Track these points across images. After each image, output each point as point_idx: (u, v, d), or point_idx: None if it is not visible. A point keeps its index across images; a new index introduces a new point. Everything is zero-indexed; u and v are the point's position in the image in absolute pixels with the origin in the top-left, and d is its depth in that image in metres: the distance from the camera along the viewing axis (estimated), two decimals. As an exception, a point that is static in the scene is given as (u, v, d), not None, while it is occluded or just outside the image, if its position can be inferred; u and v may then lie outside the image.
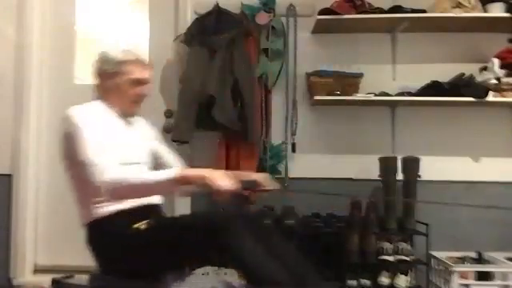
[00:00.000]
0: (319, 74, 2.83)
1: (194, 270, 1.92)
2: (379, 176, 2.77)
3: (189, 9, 3.01)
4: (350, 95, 2.77)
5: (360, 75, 2.83)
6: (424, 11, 2.74)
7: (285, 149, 2.94)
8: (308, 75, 2.90)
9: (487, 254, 2.73)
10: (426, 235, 2.63)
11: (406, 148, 2.86)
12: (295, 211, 2.74)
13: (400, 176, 2.75)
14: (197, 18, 2.91)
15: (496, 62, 2.72)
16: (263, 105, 2.88)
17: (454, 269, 2.50)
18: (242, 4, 2.93)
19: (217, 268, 2.31)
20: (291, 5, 2.95)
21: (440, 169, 2.86)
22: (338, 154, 2.95)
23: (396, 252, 2.67)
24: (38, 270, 3.06)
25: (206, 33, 2.83)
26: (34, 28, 3.07)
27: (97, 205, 1.76)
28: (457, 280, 2.49)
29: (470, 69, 2.80)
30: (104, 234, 1.76)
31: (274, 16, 2.90)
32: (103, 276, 1.78)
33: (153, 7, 3.14)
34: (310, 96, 2.91)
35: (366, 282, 2.63)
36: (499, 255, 2.68)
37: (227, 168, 2.82)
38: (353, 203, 2.70)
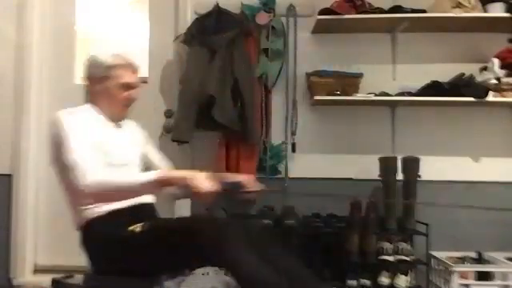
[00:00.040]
0: (319, 74, 2.83)
1: (194, 269, 1.92)
2: (379, 176, 2.77)
3: (189, 9, 3.01)
4: (350, 95, 2.77)
5: (360, 75, 2.83)
6: (424, 11, 2.74)
7: (285, 149, 2.94)
8: (308, 75, 2.90)
9: (487, 254, 2.73)
10: (426, 235, 2.63)
11: (406, 148, 2.86)
12: (295, 211, 2.73)
13: (400, 176, 2.75)
14: (197, 18, 2.91)
15: (496, 62, 2.72)
16: (263, 105, 2.88)
17: (454, 269, 2.50)
18: (242, 4, 2.93)
19: (217, 268, 2.31)
20: (291, 5, 2.95)
21: (440, 169, 2.86)
22: (338, 153, 2.96)
23: (396, 252, 2.67)
24: (37, 270, 3.06)
25: (206, 33, 2.83)
26: (34, 28, 3.07)
27: (88, 207, 1.77)
28: (457, 280, 2.49)
29: (469, 69, 2.79)
30: (97, 236, 1.77)
31: (274, 16, 2.90)
32: (97, 276, 1.78)
33: (153, 7, 3.14)
34: (310, 96, 2.91)
35: (366, 282, 2.63)
36: (499, 255, 2.68)
37: (227, 168, 2.83)
38: (353, 203, 2.70)
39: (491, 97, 2.68)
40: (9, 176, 3.03)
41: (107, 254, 1.74)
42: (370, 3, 2.79)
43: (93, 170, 1.69)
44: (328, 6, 2.74)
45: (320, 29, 2.90)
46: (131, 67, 1.92)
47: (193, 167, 2.95)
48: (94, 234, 1.78)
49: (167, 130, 3.00)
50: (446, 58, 2.92)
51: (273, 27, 2.89)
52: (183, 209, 2.88)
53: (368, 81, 2.85)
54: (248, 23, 2.87)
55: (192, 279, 1.95)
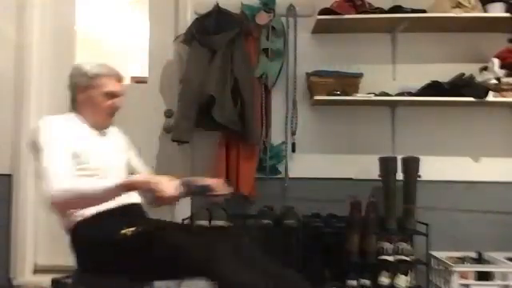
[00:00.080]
0: (319, 74, 2.83)
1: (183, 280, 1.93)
2: (379, 176, 2.77)
3: (189, 9, 3.01)
4: (350, 95, 2.77)
5: (360, 75, 2.83)
6: (424, 11, 2.74)
7: (285, 149, 2.94)
8: (308, 75, 2.90)
9: (487, 254, 2.73)
10: (426, 235, 2.63)
11: (406, 148, 2.86)
12: (295, 211, 2.73)
13: (400, 176, 2.75)
14: (197, 18, 2.91)
15: (496, 62, 2.72)
16: (263, 105, 2.88)
17: (454, 269, 2.50)
18: (242, 4, 2.93)
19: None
20: (291, 5, 2.95)
21: (440, 169, 2.86)
22: (338, 153, 2.95)
23: (396, 252, 2.67)
24: (37, 270, 3.06)
25: (206, 33, 2.83)
26: (33, 28, 3.07)
27: (73, 210, 1.78)
28: (457, 280, 2.49)
29: (470, 69, 2.79)
30: (85, 238, 1.78)
31: (274, 16, 2.90)
32: (84, 275, 1.80)
33: (153, 7, 3.14)
34: (310, 96, 2.91)
35: (366, 282, 2.63)
36: (499, 255, 2.68)
37: (227, 168, 2.83)
38: (353, 203, 2.70)
39: (491, 97, 2.68)
40: (9, 176, 3.03)
41: (95, 256, 1.75)
42: (370, 3, 2.79)
43: (61, 178, 1.69)
44: (328, 5, 2.74)
45: (320, 29, 2.90)
46: (115, 76, 1.94)
47: (193, 167, 2.96)
48: (83, 237, 1.79)
49: (167, 130, 3.00)
50: (446, 57, 2.92)
51: (273, 27, 2.89)
52: (183, 208, 2.88)
53: (368, 81, 2.85)
54: (248, 23, 2.87)
55: (191, 279, 1.95)
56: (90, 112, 1.92)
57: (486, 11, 2.74)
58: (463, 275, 2.52)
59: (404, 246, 2.69)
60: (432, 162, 2.82)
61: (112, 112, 1.95)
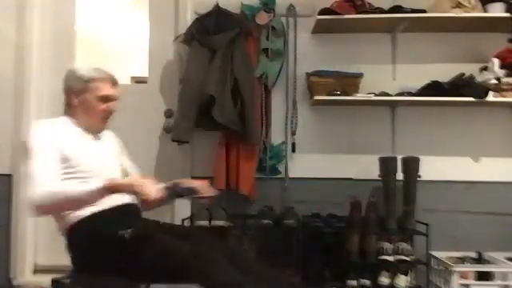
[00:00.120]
0: (319, 73, 2.83)
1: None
2: (379, 176, 2.77)
3: (189, 9, 3.01)
4: (350, 95, 2.77)
5: (360, 75, 2.83)
6: (424, 11, 2.74)
7: (285, 149, 2.94)
8: (308, 75, 2.90)
9: (487, 254, 2.73)
10: (426, 235, 2.63)
11: (406, 148, 2.86)
12: (295, 211, 2.73)
13: (400, 176, 2.75)
14: (197, 18, 2.91)
15: (496, 62, 2.72)
16: (263, 105, 2.88)
17: (454, 269, 2.50)
18: (242, 4, 2.93)
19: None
20: (291, 5, 2.95)
21: (440, 169, 2.86)
22: (338, 153, 2.95)
23: (396, 252, 2.67)
24: (37, 270, 3.06)
25: (206, 33, 2.83)
26: (33, 28, 3.07)
27: (68, 211, 1.78)
28: (457, 280, 2.49)
29: (470, 69, 2.79)
30: (81, 240, 1.77)
31: (274, 16, 2.90)
32: (80, 274, 1.81)
33: (153, 7, 3.14)
34: (310, 96, 2.91)
35: (366, 282, 2.62)
36: (499, 255, 2.68)
37: (227, 168, 2.83)
38: (353, 203, 2.70)
39: (491, 97, 2.68)
40: (9, 176, 3.03)
41: (91, 257, 1.75)
42: (370, 3, 2.79)
43: (44, 183, 1.69)
44: (328, 5, 2.74)
45: (320, 29, 2.90)
46: (110, 80, 1.94)
47: (193, 167, 2.96)
48: (78, 238, 1.79)
49: (167, 130, 3.00)
50: (446, 57, 2.92)
51: (273, 27, 2.89)
52: (183, 208, 2.88)
53: (368, 81, 2.85)
54: (248, 23, 2.87)
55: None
56: (84, 116, 1.92)
57: (485, 11, 2.74)
58: (463, 275, 2.52)
59: (404, 246, 2.69)
60: (432, 162, 2.81)
61: (106, 116, 1.95)
